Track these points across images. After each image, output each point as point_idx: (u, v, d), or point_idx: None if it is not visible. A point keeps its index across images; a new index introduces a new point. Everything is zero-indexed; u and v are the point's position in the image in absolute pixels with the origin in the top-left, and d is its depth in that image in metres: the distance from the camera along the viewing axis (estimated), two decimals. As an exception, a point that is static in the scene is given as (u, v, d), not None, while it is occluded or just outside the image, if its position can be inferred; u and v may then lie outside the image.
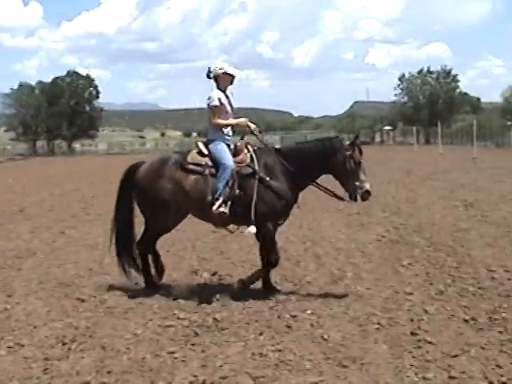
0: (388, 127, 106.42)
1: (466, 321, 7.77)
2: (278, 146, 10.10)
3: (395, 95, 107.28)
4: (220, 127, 9.61)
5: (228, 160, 9.25)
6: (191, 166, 9.38)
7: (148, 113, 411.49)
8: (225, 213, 9.13)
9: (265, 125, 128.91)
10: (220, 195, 9.12)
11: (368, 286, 9.35)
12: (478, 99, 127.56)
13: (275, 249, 9.49)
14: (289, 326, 7.69)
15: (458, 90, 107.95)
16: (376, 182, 17.31)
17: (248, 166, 9.32)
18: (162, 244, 12.93)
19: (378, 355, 6.72)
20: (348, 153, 9.26)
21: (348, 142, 9.45)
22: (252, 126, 9.77)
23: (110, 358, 6.89)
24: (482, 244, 12.30)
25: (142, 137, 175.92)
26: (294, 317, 8.03)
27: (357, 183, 9.19)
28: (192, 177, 9.34)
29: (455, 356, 6.62)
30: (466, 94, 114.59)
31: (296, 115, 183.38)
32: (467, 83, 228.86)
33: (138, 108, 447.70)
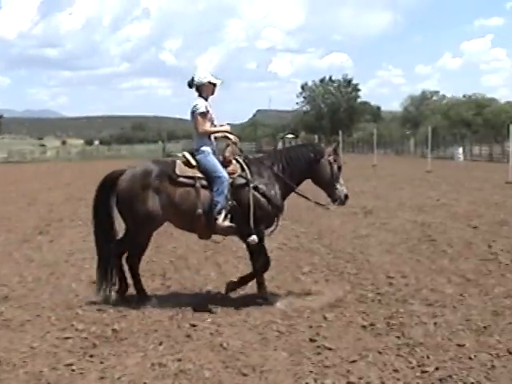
0: (290, 135, 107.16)
1: (364, 326, 7.90)
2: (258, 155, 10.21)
3: (297, 103, 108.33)
4: (208, 135, 9.56)
5: (223, 172, 9.21)
6: (181, 179, 9.24)
7: (49, 120, 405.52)
8: (231, 226, 9.22)
9: (168, 133, 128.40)
10: (222, 209, 9.14)
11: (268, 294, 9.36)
12: (379, 108, 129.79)
13: (266, 251, 9.52)
14: (188, 336, 7.65)
15: (358, 99, 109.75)
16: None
17: (240, 176, 9.33)
18: (61, 254, 12.80)
19: (278, 362, 6.74)
20: (332, 157, 9.65)
21: (331, 148, 9.84)
22: (232, 136, 9.68)
23: (6, 372, 6.70)
24: (381, 250, 12.53)
25: (42, 145, 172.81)
26: (194, 326, 8.00)
27: (339, 187, 9.64)
28: (181, 189, 9.21)
29: (353, 361, 6.70)
30: (366, 102, 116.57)
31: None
32: (368, 92, 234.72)
33: (38, 115, 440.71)
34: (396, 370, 6.44)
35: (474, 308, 8.60)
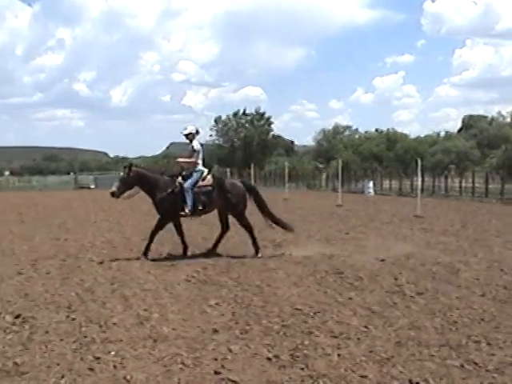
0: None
1: (269, 359, 7.87)
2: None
3: (210, 136, 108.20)
4: None
5: None
6: None
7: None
8: None
9: (80, 165, 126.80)
10: None
11: (174, 327, 9.31)
12: (292, 142, 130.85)
13: None
14: (91, 369, 7.50)
15: (271, 133, 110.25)
16: (188, 223, 17.47)
17: None
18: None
19: (181, 395, 6.71)
20: None
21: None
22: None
23: None
24: (289, 283, 12.57)
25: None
26: (98, 359, 7.85)
27: None
28: None
29: (257, 394, 6.70)
30: (279, 136, 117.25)
31: (112, 155, 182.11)
32: (282, 126, 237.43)
33: None
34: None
35: (378, 339, 8.67)
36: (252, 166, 62.76)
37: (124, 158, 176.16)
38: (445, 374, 7.37)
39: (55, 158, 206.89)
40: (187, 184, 16.23)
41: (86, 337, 8.85)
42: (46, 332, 9.13)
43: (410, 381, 7.10)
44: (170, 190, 16.21)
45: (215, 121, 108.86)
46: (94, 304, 10.90)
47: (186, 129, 16.60)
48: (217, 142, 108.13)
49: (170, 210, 16.33)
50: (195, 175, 16.40)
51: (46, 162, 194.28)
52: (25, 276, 13.72)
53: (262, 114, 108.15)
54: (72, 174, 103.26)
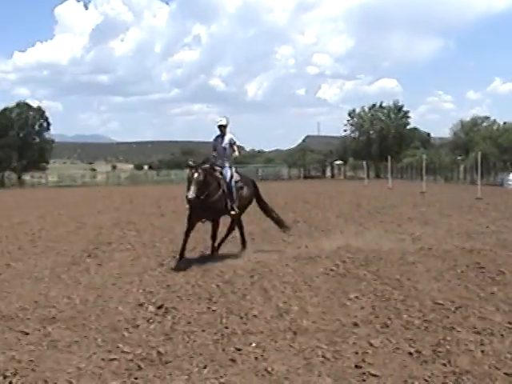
0: (339, 161, 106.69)
1: (410, 353, 7.75)
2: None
3: (345, 130, 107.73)
4: None
5: None
6: None
7: (99, 145, 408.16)
8: None
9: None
10: None
11: (314, 320, 9.31)
12: (428, 134, 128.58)
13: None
14: (233, 360, 7.60)
15: (408, 126, 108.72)
16: (326, 216, 17.44)
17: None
18: (108, 277, 12.90)
19: (322, 388, 6.68)
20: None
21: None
22: None
23: (52, 392, 6.75)
24: (429, 277, 12.35)
25: (93, 169, 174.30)
26: (239, 350, 7.95)
27: None
28: None
29: (399, 389, 6.61)
30: (415, 128, 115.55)
31: (248, 149, 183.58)
32: (418, 118, 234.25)
33: (89, 140, 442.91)
34: (442, 398, 6.34)
35: (522, 337, 8.43)
36: (389, 158, 62.07)
37: (260, 152, 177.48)
38: None
39: (192, 151, 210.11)
40: (232, 181, 15.60)
41: (227, 328, 8.99)
42: (188, 322, 9.32)
43: (557, 380, 6.86)
44: (223, 188, 15.26)
45: (349, 114, 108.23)
46: (234, 296, 11.05)
47: (221, 120, 15.87)
48: (352, 134, 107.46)
49: (223, 208, 15.43)
50: (233, 170, 15.91)
51: (184, 155, 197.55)
52: (166, 267, 14.03)
53: (400, 108, 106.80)
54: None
